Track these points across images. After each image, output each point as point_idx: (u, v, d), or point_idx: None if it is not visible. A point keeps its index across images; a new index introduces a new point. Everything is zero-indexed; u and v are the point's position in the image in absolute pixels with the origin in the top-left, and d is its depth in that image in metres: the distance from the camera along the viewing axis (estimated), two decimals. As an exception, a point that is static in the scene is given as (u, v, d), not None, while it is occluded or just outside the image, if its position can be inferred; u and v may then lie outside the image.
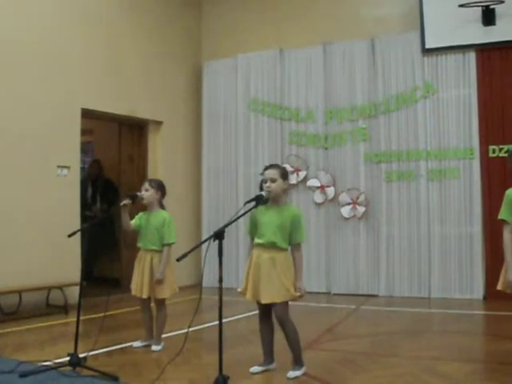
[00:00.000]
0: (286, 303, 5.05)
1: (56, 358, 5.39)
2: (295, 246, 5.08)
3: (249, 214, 5.09)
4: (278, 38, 10.92)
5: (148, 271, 6.00)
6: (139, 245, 6.16)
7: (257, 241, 5.12)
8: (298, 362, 5.10)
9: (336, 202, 10.21)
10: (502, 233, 4.68)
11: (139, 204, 6.15)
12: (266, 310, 5.17)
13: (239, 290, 5.24)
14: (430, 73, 9.73)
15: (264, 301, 5.03)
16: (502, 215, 4.69)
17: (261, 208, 5.08)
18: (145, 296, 6.04)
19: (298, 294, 4.99)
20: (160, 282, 5.94)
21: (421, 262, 9.62)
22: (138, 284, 6.06)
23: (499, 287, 4.74)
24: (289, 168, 9.97)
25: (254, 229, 5.20)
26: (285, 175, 5.14)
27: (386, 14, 10.21)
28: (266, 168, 5.18)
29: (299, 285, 5.00)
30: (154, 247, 6.04)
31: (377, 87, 10.06)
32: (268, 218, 5.07)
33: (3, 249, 7.85)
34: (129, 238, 8.55)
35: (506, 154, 8.90)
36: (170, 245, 6.04)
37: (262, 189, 5.10)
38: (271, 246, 5.03)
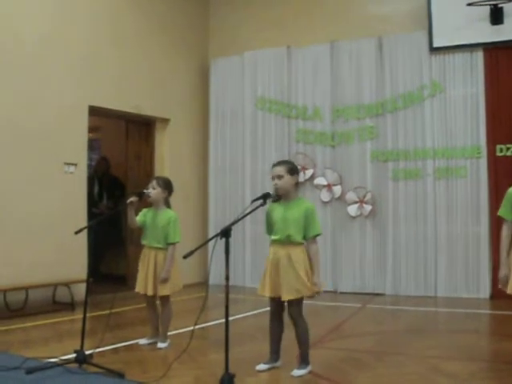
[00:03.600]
0: (300, 300, 5.07)
1: (62, 355, 5.39)
2: (310, 240, 5.08)
3: (259, 212, 5.12)
4: (286, 35, 10.89)
5: (152, 269, 6.02)
6: (143, 242, 6.17)
7: (273, 237, 5.16)
8: (304, 361, 5.11)
9: (343, 200, 10.21)
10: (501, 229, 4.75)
11: (145, 201, 6.16)
12: (278, 308, 5.18)
13: (259, 291, 5.24)
14: (437, 71, 9.70)
15: (285, 298, 5.03)
16: (501, 212, 4.74)
17: (273, 205, 5.14)
18: (149, 293, 6.05)
19: (316, 289, 4.97)
20: (165, 280, 5.96)
21: (427, 261, 9.60)
22: (143, 281, 6.08)
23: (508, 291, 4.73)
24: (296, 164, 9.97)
25: (269, 227, 5.23)
26: (293, 170, 5.14)
27: (394, 12, 10.17)
28: (274, 165, 5.20)
29: (316, 280, 4.98)
30: (158, 245, 6.05)
31: (384, 86, 10.04)
32: (281, 213, 5.10)
33: (10, 245, 7.87)
34: (135, 235, 8.56)
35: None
36: (174, 244, 6.06)
37: None
38: (286, 240, 5.05)
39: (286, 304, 5.14)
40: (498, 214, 4.76)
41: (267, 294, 5.12)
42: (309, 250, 5.08)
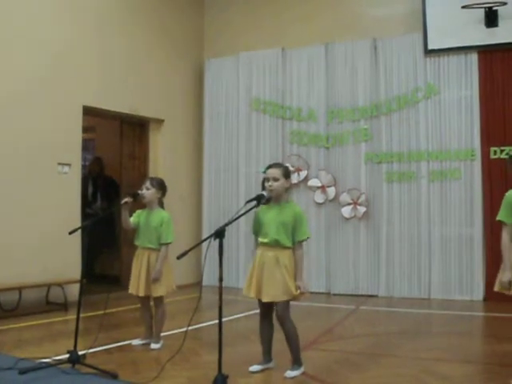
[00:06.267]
0: (287, 302, 5.05)
1: (55, 355, 5.39)
2: (297, 244, 5.07)
3: (252, 213, 5.12)
4: (280, 36, 10.90)
5: (145, 269, 6.02)
6: (137, 243, 6.17)
7: (261, 240, 5.15)
8: (296, 362, 5.11)
9: (337, 202, 10.20)
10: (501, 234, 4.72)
11: (140, 202, 6.16)
12: (267, 309, 5.17)
13: (244, 292, 5.24)
14: (432, 74, 9.71)
15: (265, 299, 5.03)
16: (500, 216, 4.72)
17: (263, 207, 5.12)
18: (141, 294, 6.05)
19: (298, 292, 4.98)
20: (156, 280, 5.96)
21: (421, 263, 9.61)
22: (135, 282, 6.07)
23: (496, 288, 4.75)
24: (290, 168, 9.96)
25: (257, 228, 5.22)
26: (287, 174, 5.15)
27: (389, 14, 10.18)
28: (269, 167, 5.19)
29: (299, 283, 4.99)
30: (151, 245, 6.05)
31: (379, 88, 10.05)
32: (270, 216, 5.09)
33: (3, 245, 7.84)
34: (129, 235, 8.55)
35: (506, 156, 8.88)
36: (167, 244, 6.05)
37: (264, 187, 5.11)
38: (275, 244, 5.04)
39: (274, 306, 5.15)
40: (498, 218, 4.73)
41: (252, 295, 5.12)
42: (294, 254, 5.08)
